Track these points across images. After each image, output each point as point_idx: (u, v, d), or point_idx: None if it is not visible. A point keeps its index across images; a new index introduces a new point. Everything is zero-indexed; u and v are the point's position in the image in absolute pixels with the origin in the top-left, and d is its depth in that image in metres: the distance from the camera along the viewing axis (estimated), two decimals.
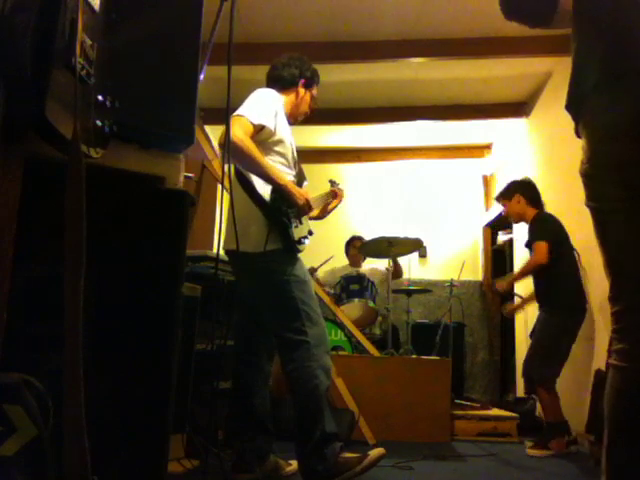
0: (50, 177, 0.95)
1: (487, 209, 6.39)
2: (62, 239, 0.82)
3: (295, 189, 2.28)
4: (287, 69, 2.50)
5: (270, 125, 2.26)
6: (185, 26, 1.13)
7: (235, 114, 2.23)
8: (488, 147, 6.20)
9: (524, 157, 5.08)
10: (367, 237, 4.85)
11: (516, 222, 3.88)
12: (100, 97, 0.97)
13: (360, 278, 4.61)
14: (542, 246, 3.35)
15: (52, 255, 0.86)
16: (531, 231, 3.54)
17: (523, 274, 3.57)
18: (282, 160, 2.34)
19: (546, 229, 3.46)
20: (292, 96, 2.50)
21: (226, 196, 2.86)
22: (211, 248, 4.20)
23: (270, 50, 4.08)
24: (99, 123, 0.96)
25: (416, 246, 4.54)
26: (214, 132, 5.20)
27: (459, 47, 4.05)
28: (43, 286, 1.04)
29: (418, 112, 5.14)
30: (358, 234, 5.38)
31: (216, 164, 4.28)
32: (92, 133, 0.94)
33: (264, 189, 2.24)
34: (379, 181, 6.48)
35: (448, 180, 6.49)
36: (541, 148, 4.71)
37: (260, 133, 2.24)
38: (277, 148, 2.32)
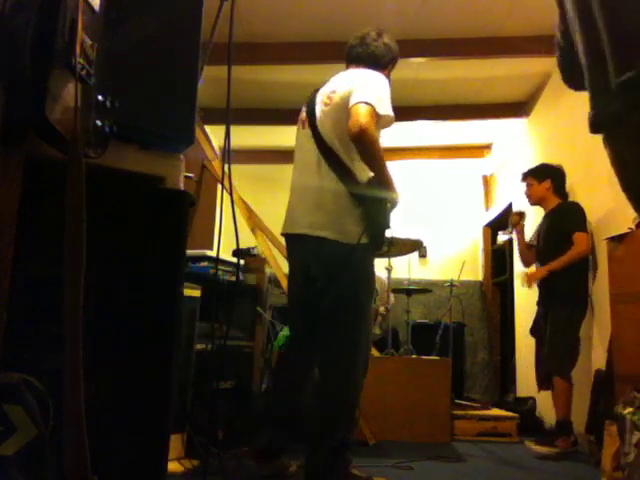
0: (50, 177, 0.95)
1: (487, 209, 6.39)
2: (62, 239, 0.83)
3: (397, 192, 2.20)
4: (379, 49, 2.40)
5: (392, 115, 2.18)
6: (185, 26, 1.13)
7: (362, 100, 2.09)
8: (488, 147, 6.20)
9: (524, 157, 5.07)
10: None
11: (532, 204, 3.73)
12: (100, 97, 0.97)
13: None
14: (585, 237, 3.33)
15: (52, 255, 0.86)
16: (563, 221, 3.42)
17: (562, 264, 3.33)
18: None
19: (584, 221, 3.38)
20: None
21: (226, 196, 2.83)
22: (211, 248, 4.19)
23: (270, 50, 4.08)
24: (99, 123, 0.96)
25: (415, 247, 4.45)
26: (214, 132, 5.19)
27: (459, 47, 4.05)
28: (43, 286, 1.04)
29: (418, 112, 5.13)
30: None
31: (216, 164, 4.27)
32: (92, 133, 0.94)
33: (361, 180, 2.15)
34: None
35: (448, 180, 6.49)
36: (541, 148, 4.71)
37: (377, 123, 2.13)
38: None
